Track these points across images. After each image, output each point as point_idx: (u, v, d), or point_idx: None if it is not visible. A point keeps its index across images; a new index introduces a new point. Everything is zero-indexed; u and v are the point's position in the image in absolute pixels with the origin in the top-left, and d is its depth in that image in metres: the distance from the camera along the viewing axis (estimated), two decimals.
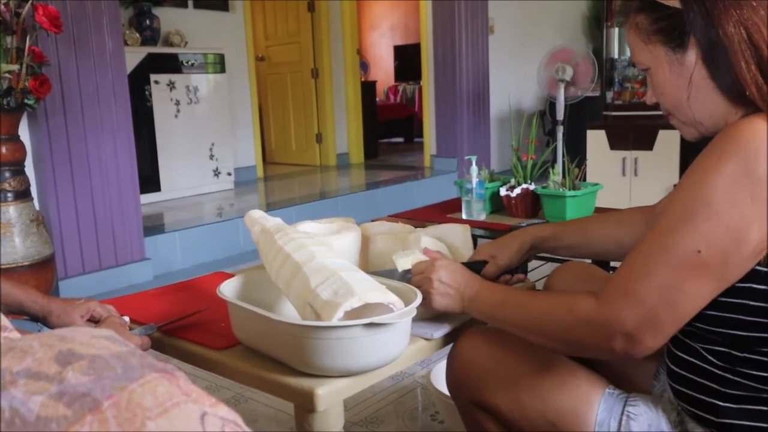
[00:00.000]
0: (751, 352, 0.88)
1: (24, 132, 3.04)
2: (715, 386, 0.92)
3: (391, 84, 10.76)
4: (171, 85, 4.82)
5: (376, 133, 7.51)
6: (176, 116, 4.87)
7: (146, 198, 4.48)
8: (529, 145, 2.35)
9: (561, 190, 2.13)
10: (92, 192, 3.31)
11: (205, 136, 5.07)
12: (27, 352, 0.38)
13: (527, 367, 1.08)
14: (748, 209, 0.81)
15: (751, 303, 0.86)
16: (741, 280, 0.86)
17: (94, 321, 1.23)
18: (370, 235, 1.38)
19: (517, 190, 2.20)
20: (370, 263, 1.36)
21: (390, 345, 0.99)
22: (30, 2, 2.64)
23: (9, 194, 2.76)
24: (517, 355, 1.11)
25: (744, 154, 0.82)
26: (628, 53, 4.79)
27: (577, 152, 3.47)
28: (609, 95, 4.75)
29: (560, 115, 4.06)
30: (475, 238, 1.86)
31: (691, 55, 0.92)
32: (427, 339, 1.15)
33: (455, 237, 1.48)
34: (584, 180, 2.25)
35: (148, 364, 0.39)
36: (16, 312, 1.23)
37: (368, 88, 7.43)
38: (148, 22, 4.87)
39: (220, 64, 5.13)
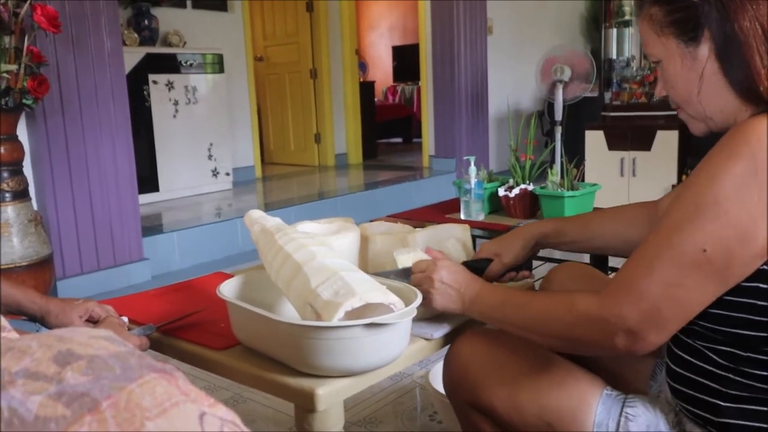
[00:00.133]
0: (756, 351, 0.88)
1: (22, 132, 3.04)
2: (716, 386, 0.91)
3: (389, 84, 10.76)
4: (169, 85, 4.82)
5: (374, 133, 7.51)
6: (175, 116, 4.87)
7: (145, 198, 4.48)
8: (527, 146, 2.35)
9: (559, 190, 2.13)
10: (90, 192, 3.30)
11: (204, 137, 5.07)
12: (25, 353, 0.38)
13: (524, 369, 1.08)
14: (756, 209, 0.81)
15: (759, 302, 0.85)
16: (747, 280, 0.85)
17: (93, 321, 1.23)
18: (369, 235, 1.38)
19: (516, 191, 2.20)
20: (369, 263, 1.36)
21: (390, 345, 0.99)
22: (28, 2, 2.63)
23: (7, 194, 2.75)
24: (514, 356, 1.11)
25: (754, 153, 0.82)
26: (626, 53, 4.80)
27: (575, 153, 3.47)
28: (607, 96, 4.76)
29: (558, 115, 4.06)
30: (473, 238, 1.85)
31: (704, 49, 0.91)
32: (426, 339, 1.15)
33: (454, 236, 1.47)
34: (582, 180, 2.25)
35: (146, 365, 0.39)
36: (14, 312, 1.22)
37: (367, 88, 7.43)
38: (146, 22, 4.87)
39: (218, 65, 5.13)
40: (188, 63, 4.91)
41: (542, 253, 1.57)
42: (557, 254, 2.68)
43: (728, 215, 0.82)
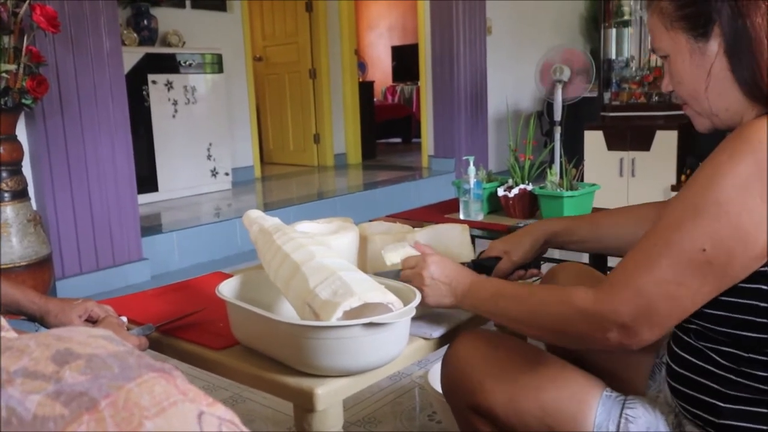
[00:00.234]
0: (757, 352, 0.88)
1: (21, 132, 3.04)
2: (716, 386, 0.91)
3: (388, 84, 10.76)
4: (169, 85, 4.81)
5: (373, 133, 7.51)
6: (174, 116, 4.87)
7: (144, 198, 4.48)
8: (526, 146, 2.35)
9: (558, 190, 2.13)
10: (90, 192, 3.30)
11: (203, 137, 5.07)
12: (24, 352, 0.38)
13: (524, 370, 1.07)
14: (757, 210, 0.81)
15: (761, 304, 0.85)
16: (749, 282, 0.85)
17: (92, 321, 1.23)
18: (368, 235, 1.38)
19: (515, 191, 2.20)
20: (368, 263, 1.36)
21: (389, 345, 0.99)
22: (27, 2, 2.63)
23: (6, 194, 2.75)
24: (513, 357, 1.10)
25: (757, 155, 0.81)
26: (625, 53, 4.80)
27: (574, 153, 3.47)
28: (606, 96, 4.76)
29: (558, 115, 4.06)
30: (472, 238, 1.85)
31: (713, 45, 0.91)
32: (425, 338, 1.15)
33: (454, 237, 1.48)
34: (581, 180, 2.25)
35: (145, 364, 0.39)
36: (13, 312, 1.22)
37: (366, 88, 7.43)
38: (145, 22, 4.87)
39: (217, 65, 5.13)
40: (187, 63, 4.91)
41: None
42: (556, 254, 2.68)
43: (729, 216, 0.82)
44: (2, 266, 2.67)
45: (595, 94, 4.75)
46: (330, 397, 0.97)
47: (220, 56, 5.14)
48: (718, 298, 0.88)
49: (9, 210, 2.75)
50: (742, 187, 0.81)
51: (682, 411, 0.98)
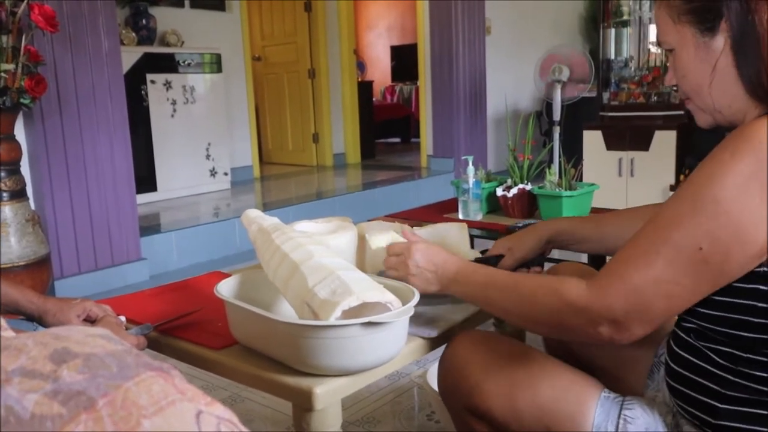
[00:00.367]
0: (755, 353, 0.87)
1: (20, 132, 3.03)
2: (714, 386, 0.91)
3: (387, 84, 10.76)
4: (167, 85, 4.81)
5: (372, 133, 7.51)
6: (173, 116, 4.86)
7: (142, 198, 4.47)
8: (525, 146, 2.35)
9: (557, 190, 2.13)
10: (88, 192, 3.30)
11: (202, 136, 5.06)
12: (22, 351, 0.38)
13: (521, 371, 1.07)
14: (756, 210, 0.81)
15: (759, 305, 0.85)
16: (746, 282, 0.85)
17: (90, 321, 1.23)
18: (367, 235, 1.38)
19: (514, 191, 2.20)
20: (366, 262, 1.36)
21: (388, 344, 0.99)
22: (26, 1, 2.63)
23: (4, 194, 2.75)
24: (510, 358, 1.09)
25: (757, 154, 0.81)
26: (624, 53, 4.80)
27: (573, 152, 3.47)
28: (605, 96, 4.76)
29: (557, 115, 4.06)
30: (471, 238, 1.86)
31: (720, 41, 0.90)
32: (424, 338, 1.15)
33: (453, 235, 1.48)
34: (580, 180, 2.25)
35: (143, 363, 0.39)
36: (12, 312, 1.22)
37: (365, 88, 7.43)
38: (144, 21, 4.86)
39: (216, 64, 5.12)
40: (186, 63, 4.91)
41: None
42: (556, 254, 2.68)
43: (727, 215, 0.82)
44: (1, 266, 2.67)
45: (594, 94, 4.76)
46: (329, 396, 0.97)
47: (219, 56, 5.14)
48: (715, 298, 0.88)
49: (7, 210, 2.74)
50: (742, 187, 0.81)
51: (680, 411, 0.98)
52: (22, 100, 2.68)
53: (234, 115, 5.66)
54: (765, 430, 0.87)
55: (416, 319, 1.15)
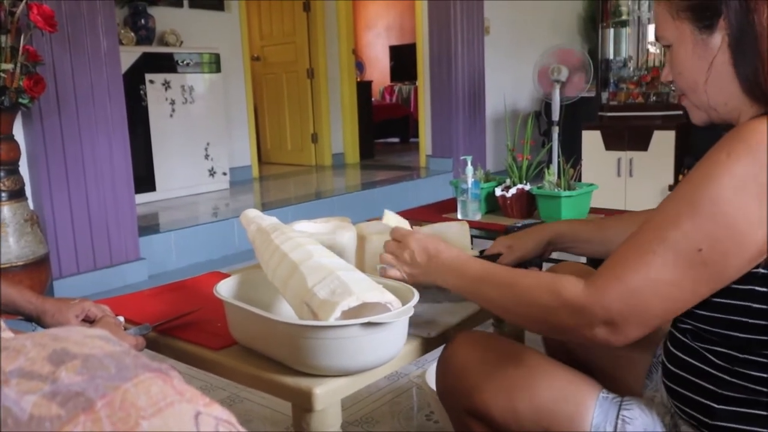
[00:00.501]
0: (752, 353, 0.87)
1: (18, 131, 3.03)
2: (711, 387, 0.91)
3: (386, 84, 10.76)
4: (166, 85, 4.81)
5: (371, 133, 7.51)
6: (171, 116, 4.86)
7: (141, 198, 4.47)
8: (524, 146, 2.35)
9: (556, 190, 2.13)
10: (87, 192, 3.30)
11: (201, 136, 5.06)
12: (20, 352, 0.38)
13: (520, 373, 1.06)
14: (753, 212, 0.80)
15: (754, 305, 0.85)
16: (742, 283, 0.85)
17: (89, 321, 1.22)
18: (366, 235, 1.38)
19: (513, 191, 2.20)
20: (365, 263, 1.36)
21: (387, 344, 0.99)
22: (24, 1, 2.63)
23: (3, 194, 2.75)
24: (509, 360, 1.09)
25: (753, 155, 0.81)
26: (623, 54, 4.80)
27: (572, 152, 3.47)
28: (604, 96, 4.76)
29: (556, 115, 4.06)
30: (470, 238, 1.85)
31: (717, 38, 0.91)
32: (423, 338, 1.14)
33: (453, 233, 1.48)
34: (579, 180, 2.25)
35: (142, 364, 0.39)
36: (10, 312, 1.22)
37: (364, 88, 7.44)
38: (143, 21, 4.86)
39: (215, 64, 5.12)
40: (185, 62, 4.91)
41: None
42: (554, 254, 2.68)
43: (725, 216, 0.81)
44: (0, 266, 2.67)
45: (593, 94, 4.76)
46: (328, 396, 0.97)
47: (217, 56, 5.14)
48: (711, 299, 0.87)
49: (6, 210, 2.74)
50: (739, 188, 0.81)
51: (677, 412, 0.98)
52: (20, 100, 2.67)
53: (233, 114, 5.66)
54: (761, 430, 0.87)
55: (415, 320, 1.15)
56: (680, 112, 4.29)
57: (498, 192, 2.24)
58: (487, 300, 1.03)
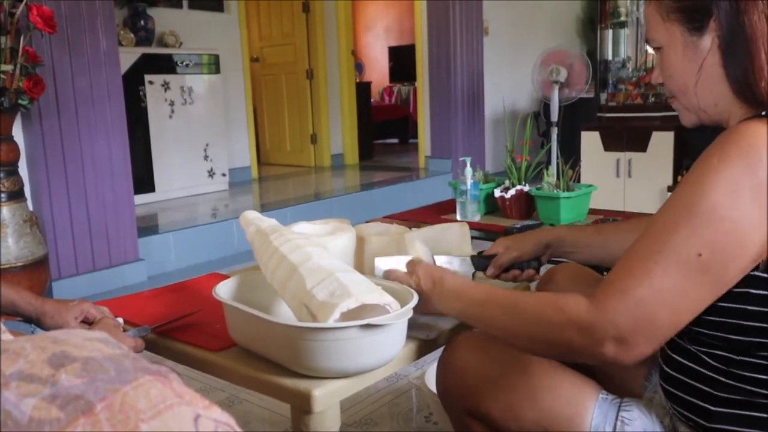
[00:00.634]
0: (748, 355, 0.88)
1: (18, 132, 3.03)
2: (708, 389, 0.91)
3: (385, 85, 10.76)
4: (165, 86, 4.81)
5: (370, 134, 7.52)
6: (171, 117, 4.86)
7: (140, 198, 4.47)
8: (523, 147, 2.36)
9: (555, 191, 2.13)
10: (86, 192, 3.30)
11: (200, 137, 5.06)
12: (20, 354, 0.38)
13: (520, 374, 1.06)
14: (750, 213, 0.80)
15: (750, 308, 0.85)
16: (737, 286, 0.85)
17: (88, 322, 1.23)
18: (365, 236, 1.38)
19: (512, 192, 2.20)
20: (364, 264, 1.36)
21: (386, 346, 0.99)
22: (24, 2, 2.63)
23: (2, 195, 2.75)
24: (509, 361, 1.09)
25: (746, 157, 0.81)
26: (622, 55, 4.81)
27: (571, 153, 3.47)
28: (603, 97, 4.76)
29: (554, 116, 4.06)
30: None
31: (707, 40, 0.91)
32: (422, 339, 1.15)
33: (454, 234, 1.48)
34: (578, 181, 2.25)
35: (141, 367, 0.39)
36: (9, 313, 1.22)
37: (363, 89, 7.44)
38: (142, 22, 4.86)
39: (214, 65, 5.12)
40: (184, 63, 4.91)
41: None
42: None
43: (723, 220, 0.81)
44: None
45: (591, 95, 4.76)
46: (327, 398, 0.97)
47: (217, 57, 5.14)
48: None
49: (5, 210, 2.74)
50: (733, 191, 0.81)
51: (675, 413, 0.98)
52: (20, 101, 2.67)
53: (232, 115, 5.66)
54: None
55: (414, 321, 1.15)
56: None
57: (497, 193, 2.24)
58: (491, 323, 1.00)
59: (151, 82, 4.72)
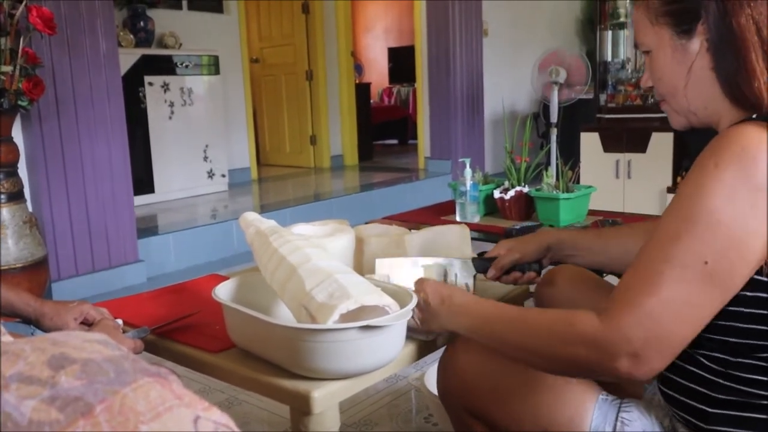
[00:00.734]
0: (746, 356, 0.88)
1: (17, 134, 3.03)
2: (706, 391, 0.91)
3: (385, 86, 10.76)
4: (165, 87, 4.81)
5: (370, 135, 7.51)
6: (170, 118, 4.86)
7: (140, 200, 4.47)
8: (522, 148, 2.36)
9: (554, 192, 2.13)
10: (86, 193, 3.30)
11: (199, 138, 5.06)
12: (19, 356, 0.38)
13: (521, 374, 1.07)
14: (748, 217, 0.81)
15: (745, 310, 0.85)
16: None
17: (88, 324, 1.23)
18: (364, 237, 1.38)
19: (511, 193, 2.21)
20: (364, 265, 1.36)
21: (386, 347, 0.99)
22: (24, 3, 2.63)
23: (2, 196, 2.74)
24: (510, 362, 1.08)
25: (739, 162, 0.81)
26: (621, 56, 4.81)
27: (570, 154, 3.47)
28: (602, 98, 4.76)
29: (554, 117, 4.06)
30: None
31: (696, 43, 0.92)
32: (422, 341, 1.15)
33: (454, 235, 1.48)
34: (578, 182, 2.26)
35: (140, 369, 0.39)
36: (8, 314, 1.22)
37: (362, 90, 7.44)
38: (142, 23, 4.86)
39: (214, 66, 5.12)
40: (184, 64, 4.91)
41: None
42: None
43: (723, 226, 0.81)
44: None
45: (591, 96, 4.76)
46: (326, 400, 0.97)
47: (216, 58, 5.14)
48: None
49: (5, 212, 2.74)
50: (731, 196, 0.81)
51: (674, 414, 0.99)
52: (19, 102, 2.67)
53: (232, 116, 5.66)
54: None
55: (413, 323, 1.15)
56: None
57: (496, 194, 2.25)
58: (502, 341, 0.99)
59: (150, 84, 4.72)
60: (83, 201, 3.29)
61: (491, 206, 2.32)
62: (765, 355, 0.87)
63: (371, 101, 8.32)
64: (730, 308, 0.86)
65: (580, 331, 0.87)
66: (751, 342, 0.87)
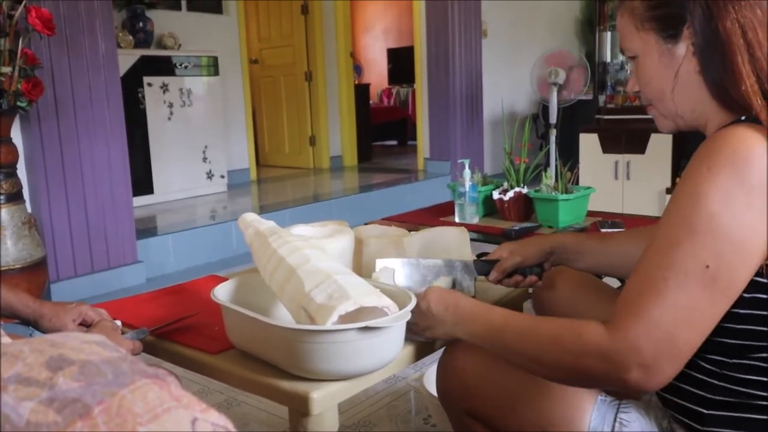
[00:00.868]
0: (741, 357, 0.88)
1: (16, 134, 3.03)
2: (701, 393, 0.91)
3: (384, 87, 10.76)
4: (164, 88, 4.81)
5: (369, 135, 7.51)
6: (169, 119, 4.86)
7: (139, 200, 4.47)
8: (522, 149, 2.36)
9: (553, 193, 2.13)
10: (85, 194, 3.29)
11: (199, 139, 5.06)
12: (18, 358, 0.38)
13: (519, 375, 1.06)
14: (745, 218, 0.81)
15: (741, 311, 0.85)
16: None
17: (86, 325, 1.22)
18: (364, 238, 1.38)
19: (510, 194, 2.21)
20: (363, 266, 1.36)
21: (385, 348, 0.99)
22: (23, 4, 2.63)
23: (1, 197, 2.74)
24: (509, 363, 1.09)
25: (732, 164, 0.82)
26: (620, 57, 4.81)
27: (569, 156, 3.48)
28: (601, 99, 4.77)
29: (553, 118, 4.06)
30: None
31: (682, 48, 0.92)
32: (421, 342, 1.15)
33: (453, 237, 1.48)
34: (577, 183, 2.26)
35: (138, 370, 0.39)
36: (7, 315, 1.22)
37: (362, 90, 7.44)
38: (141, 24, 4.86)
39: (213, 67, 5.12)
40: (183, 65, 4.91)
41: None
42: None
43: (722, 229, 0.81)
44: None
45: (590, 97, 4.76)
46: (325, 401, 0.97)
47: (215, 59, 5.14)
48: None
49: (4, 213, 2.74)
50: (726, 199, 0.81)
51: (672, 417, 0.99)
52: (18, 103, 2.67)
53: (231, 117, 5.66)
54: None
55: (413, 324, 1.15)
56: None
57: (495, 195, 2.25)
58: (508, 350, 0.98)
59: (149, 84, 4.72)
60: (82, 202, 3.29)
61: (490, 207, 2.32)
62: (761, 355, 0.87)
63: (370, 102, 8.32)
64: (728, 309, 0.86)
65: (587, 342, 0.86)
66: (747, 343, 0.87)
